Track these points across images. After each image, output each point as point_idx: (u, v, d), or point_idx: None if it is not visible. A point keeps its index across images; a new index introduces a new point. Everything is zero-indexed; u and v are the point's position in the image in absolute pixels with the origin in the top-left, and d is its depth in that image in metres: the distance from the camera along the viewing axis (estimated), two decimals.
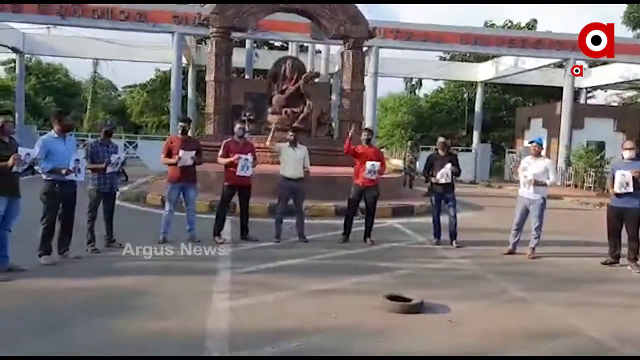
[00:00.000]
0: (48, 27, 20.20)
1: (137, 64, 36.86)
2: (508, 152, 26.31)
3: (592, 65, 28.19)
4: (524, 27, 31.28)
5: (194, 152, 7.53)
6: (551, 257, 7.80)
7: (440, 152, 8.56)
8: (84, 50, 26.26)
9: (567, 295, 5.83)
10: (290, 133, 8.37)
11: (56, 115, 6.40)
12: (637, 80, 26.09)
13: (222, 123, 15.05)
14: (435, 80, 36.79)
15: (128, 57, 26.72)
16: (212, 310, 4.78)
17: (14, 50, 24.87)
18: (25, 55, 28.19)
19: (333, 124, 17.84)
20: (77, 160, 6.19)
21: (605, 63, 25.85)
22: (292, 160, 8.15)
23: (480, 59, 28.55)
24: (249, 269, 6.34)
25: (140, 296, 5.22)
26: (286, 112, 15.45)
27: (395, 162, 30.09)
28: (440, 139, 8.68)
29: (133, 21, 18.98)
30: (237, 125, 8.17)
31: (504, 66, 25.69)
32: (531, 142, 7.84)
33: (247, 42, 23.46)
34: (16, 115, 21.85)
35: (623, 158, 7.18)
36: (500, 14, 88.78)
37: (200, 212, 9.04)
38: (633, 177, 6.87)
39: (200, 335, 4.20)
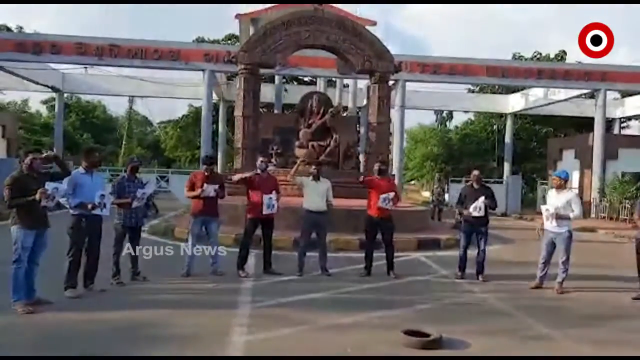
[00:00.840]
0: (85, 67, 21.06)
1: (170, 100, 38.13)
2: (540, 184, 25.86)
3: (625, 95, 27.77)
4: (552, 58, 31.08)
5: (217, 185, 7.68)
6: (580, 291, 7.59)
7: (474, 185, 8.48)
8: (119, 88, 27.29)
9: (594, 332, 5.64)
10: (314, 167, 8.46)
11: (84, 152, 6.66)
12: None
13: (250, 157, 15.27)
14: (466, 112, 36.81)
15: (162, 94, 27.60)
16: (229, 344, 4.80)
17: (54, 89, 25.99)
18: (65, 94, 29.54)
19: (360, 157, 17.93)
20: (103, 195, 6.37)
21: (638, 93, 25.43)
22: (315, 194, 8.22)
23: (509, 90, 28.44)
24: (270, 303, 6.36)
25: (161, 328, 5.29)
26: (313, 145, 15.65)
27: (425, 194, 29.94)
28: (475, 172, 8.61)
29: (166, 60, 19.64)
30: (260, 159, 8.30)
31: (534, 97, 25.52)
32: (556, 176, 7.74)
33: (276, 77, 23.97)
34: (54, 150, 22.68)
35: None
36: (529, 46, 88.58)
37: (227, 245, 9.09)
38: None
39: None
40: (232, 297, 6.55)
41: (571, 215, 7.43)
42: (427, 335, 4.99)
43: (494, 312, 6.39)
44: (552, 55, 31.64)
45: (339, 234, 10.71)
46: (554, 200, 7.55)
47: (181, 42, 20.46)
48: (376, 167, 8.58)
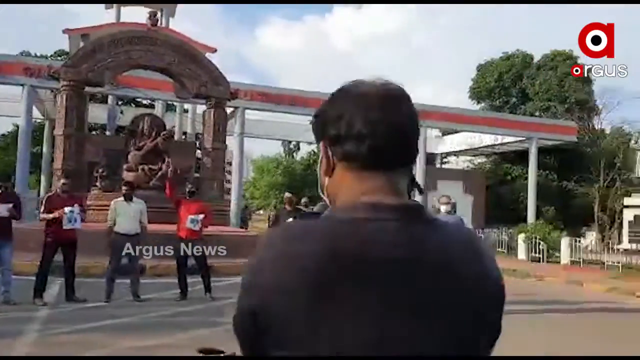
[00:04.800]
0: None
1: None
2: None
3: (445, 133, 30.95)
4: None
5: (10, 205, 6.95)
6: None
7: (287, 207, 8.69)
8: None
9: None
10: (125, 188, 8.08)
11: None
12: (482, 147, 28.95)
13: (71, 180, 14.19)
14: (310, 143, 38.19)
15: None
16: None
17: None
18: None
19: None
20: None
21: (456, 132, 28.49)
22: (127, 215, 7.82)
23: None
24: (63, 330, 5.83)
25: None
26: (143, 169, 15.01)
27: None
28: (287, 195, 8.88)
29: None
30: (62, 181, 7.75)
31: None
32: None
33: (110, 98, 22.74)
34: None
35: (439, 212, 7.76)
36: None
37: (28, 273, 8.16)
38: None
39: None
40: (19, 326, 5.89)
41: None
42: (221, 353, 4.91)
43: None
44: None
45: (161, 259, 10.26)
46: None
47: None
48: (188, 188, 8.45)
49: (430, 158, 30.17)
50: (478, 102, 33.13)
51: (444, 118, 23.55)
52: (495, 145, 27.59)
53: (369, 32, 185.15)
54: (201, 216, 7.96)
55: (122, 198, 7.93)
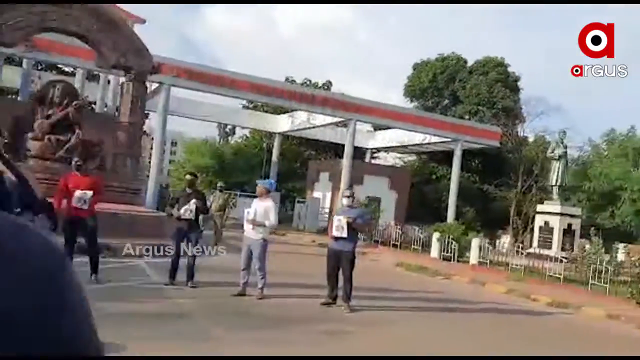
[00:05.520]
0: None
1: None
2: (297, 202, 27.42)
3: (377, 128, 31.22)
4: (320, 86, 33.62)
5: None
6: (281, 298, 7.91)
7: (187, 189, 8.35)
8: None
9: (267, 333, 5.83)
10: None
11: None
12: (411, 145, 29.42)
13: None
14: (243, 128, 37.65)
15: None
16: None
17: None
18: None
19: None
20: None
21: (388, 128, 28.78)
22: None
23: (279, 111, 29.78)
24: None
25: None
26: (50, 139, 14.09)
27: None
28: (187, 176, 8.59)
29: None
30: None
31: (298, 120, 27.10)
32: (260, 184, 8.13)
33: (25, 61, 21.31)
34: None
35: (342, 205, 7.68)
36: (299, 73, 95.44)
37: None
38: (347, 223, 7.34)
39: None
40: None
41: (267, 223, 7.76)
42: None
43: (179, 316, 6.24)
44: (320, 84, 34.24)
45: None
46: (255, 206, 7.84)
47: None
48: (74, 162, 7.93)
49: (360, 152, 30.41)
50: (411, 101, 33.69)
51: (376, 113, 23.67)
52: (423, 144, 28.10)
53: (316, 22, 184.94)
54: (90, 193, 7.46)
55: None
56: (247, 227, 7.74)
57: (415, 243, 19.04)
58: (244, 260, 7.78)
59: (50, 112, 14.55)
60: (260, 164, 32.47)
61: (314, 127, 26.80)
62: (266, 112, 31.73)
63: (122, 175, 14.53)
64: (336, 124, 26.48)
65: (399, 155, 36.27)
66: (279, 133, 29.73)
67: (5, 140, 14.04)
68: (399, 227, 20.94)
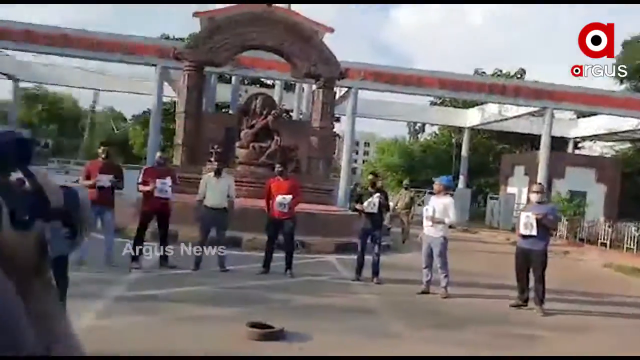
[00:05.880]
0: (34, 55, 20.79)
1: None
2: (490, 198, 26.25)
3: (581, 115, 28.37)
4: (512, 76, 31.65)
5: (111, 175, 7.67)
6: (467, 298, 7.73)
7: (370, 188, 8.66)
8: (81, 81, 26.99)
9: (452, 334, 5.76)
10: (216, 163, 8.52)
11: None
12: (621, 132, 26.13)
13: (189, 155, 15.31)
14: (432, 125, 37.34)
15: (126, 88, 27.48)
16: None
17: (9, 77, 25.55)
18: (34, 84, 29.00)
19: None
20: None
21: (593, 114, 25.96)
22: (215, 190, 8.23)
23: (467, 105, 28.84)
24: (140, 294, 6.35)
25: None
26: (253, 146, 15.66)
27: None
28: (370, 176, 8.91)
29: (118, 53, 19.50)
30: (158, 154, 8.35)
31: (489, 113, 25.92)
32: (437, 181, 8.00)
33: (233, 78, 23.97)
34: None
35: (528, 201, 7.21)
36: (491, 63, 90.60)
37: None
38: (536, 219, 6.87)
39: None
40: (105, 287, 6.51)
41: (446, 220, 7.62)
42: (270, 328, 5.04)
43: (363, 311, 6.48)
44: (512, 73, 32.22)
45: (258, 233, 10.68)
46: (433, 203, 7.76)
47: (135, 36, 20.33)
48: (277, 169, 8.69)
49: (561, 143, 27.91)
50: (621, 82, 29.86)
51: (577, 100, 21.53)
52: (637, 130, 24.73)
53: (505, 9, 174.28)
54: (289, 197, 8.15)
55: (212, 173, 8.36)
56: (427, 224, 7.71)
57: (630, 242, 16.89)
58: (424, 258, 7.77)
59: (253, 122, 16.20)
60: (449, 161, 31.77)
61: (506, 119, 25.35)
62: (455, 107, 30.98)
63: (315, 177, 15.52)
64: (531, 114, 24.68)
65: (607, 144, 32.46)
66: (469, 127, 28.76)
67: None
68: (609, 223, 18.77)
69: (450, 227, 8.24)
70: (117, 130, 48.87)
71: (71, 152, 39.82)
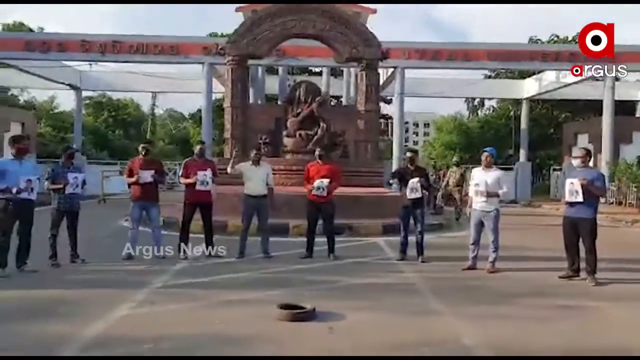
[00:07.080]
0: (90, 64, 21.76)
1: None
2: (553, 170, 25.17)
3: None
4: (570, 41, 30.05)
5: (152, 171, 7.92)
6: (515, 271, 7.47)
7: (409, 166, 8.47)
8: (138, 85, 28.02)
9: (495, 309, 5.59)
10: (255, 151, 8.61)
11: (12, 140, 6.98)
12: None
13: (238, 147, 15.55)
14: (490, 99, 36.11)
15: (178, 89, 28.32)
16: (102, 317, 4.98)
17: (72, 87, 26.89)
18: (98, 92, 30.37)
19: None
20: (29, 180, 6.70)
21: None
22: (255, 178, 8.34)
23: (524, 75, 27.70)
24: (183, 282, 6.56)
25: (61, 305, 5.49)
26: (300, 134, 15.74)
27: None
28: (408, 154, 8.71)
29: (166, 54, 20.09)
30: (198, 147, 8.54)
31: (546, 82, 24.79)
32: (487, 152, 7.64)
33: (280, 69, 24.14)
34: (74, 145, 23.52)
35: (571, 166, 6.84)
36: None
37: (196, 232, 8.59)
38: (582, 186, 6.51)
39: (78, 337, 4.42)
40: (152, 276, 6.75)
41: (500, 192, 7.34)
42: (302, 309, 5.06)
43: (402, 290, 6.39)
44: (569, 38, 30.59)
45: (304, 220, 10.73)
46: (483, 177, 7.46)
47: (180, 37, 20.87)
48: (317, 152, 8.68)
49: (628, 107, 26.31)
50: None
51: (633, 59, 20.13)
52: None
53: None
54: (326, 181, 8.13)
55: (250, 162, 8.46)
56: (477, 199, 7.45)
57: None
58: (473, 234, 7.55)
59: (298, 110, 16.27)
60: (509, 135, 30.72)
61: (565, 86, 24.12)
62: (510, 78, 29.82)
63: (363, 161, 15.42)
64: (593, 78, 23.36)
65: None
66: (526, 99, 27.63)
67: (267, 141, 16.27)
68: None
69: (514, 202, 8.01)
70: (175, 130, 50.41)
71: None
